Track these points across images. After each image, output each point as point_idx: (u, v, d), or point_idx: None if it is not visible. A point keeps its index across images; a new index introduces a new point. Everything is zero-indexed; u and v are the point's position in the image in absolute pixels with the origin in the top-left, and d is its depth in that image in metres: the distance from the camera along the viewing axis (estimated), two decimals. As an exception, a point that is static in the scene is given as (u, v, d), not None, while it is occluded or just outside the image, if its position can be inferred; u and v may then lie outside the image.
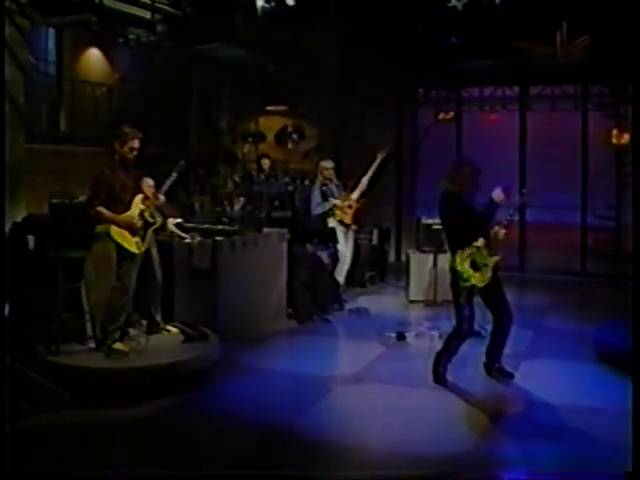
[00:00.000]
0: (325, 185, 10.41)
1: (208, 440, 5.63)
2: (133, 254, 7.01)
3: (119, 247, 6.97)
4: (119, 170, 7.06)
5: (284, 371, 7.47)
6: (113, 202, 6.95)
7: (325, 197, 10.33)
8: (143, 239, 7.09)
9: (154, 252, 7.40)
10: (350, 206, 10.33)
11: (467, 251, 6.65)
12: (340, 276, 10.46)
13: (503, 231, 6.76)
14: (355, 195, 10.38)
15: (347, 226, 10.40)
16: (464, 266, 6.64)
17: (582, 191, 13.50)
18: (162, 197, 7.36)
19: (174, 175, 7.38)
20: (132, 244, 7.00)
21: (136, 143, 7.09)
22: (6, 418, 5.12)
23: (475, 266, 6.65)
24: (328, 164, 10.52)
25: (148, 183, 7.66)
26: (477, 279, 6.68)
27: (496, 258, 6.72)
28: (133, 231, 7.00)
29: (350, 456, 5.43)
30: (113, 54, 14.83)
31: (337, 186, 10.48)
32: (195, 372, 6.84)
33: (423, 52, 13.34)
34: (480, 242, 6.66)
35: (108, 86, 14.81)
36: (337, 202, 10.33)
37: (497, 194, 6.67)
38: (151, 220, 7.19)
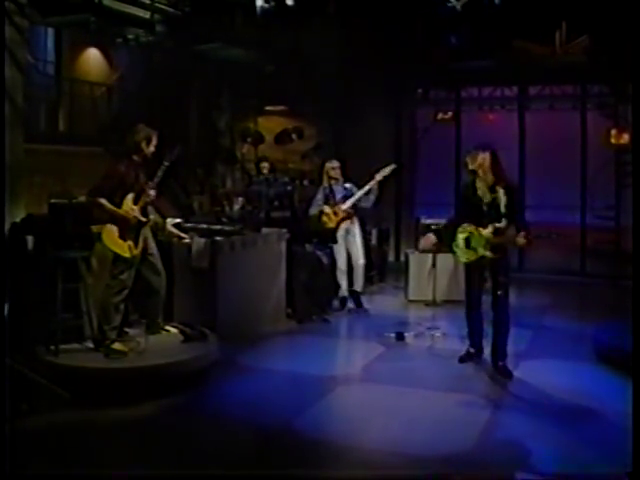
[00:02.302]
0: (329, 186, 10.28)
1: (207, 440, 5.62)
2: (127, 259, 6.97)
3: (111, 251, 6.95)
4: (138, 169, 7.08)
5: (283, 371, 7.46)
6: (117, 198, 6.94)
7: (327, 199, 10.24)
8: (136, 242, 7.03)
9: (154, 250, 7.35)
10: (336, 213, 10.17)
11: (467, 228, 7.10)
12: (357, 285, 10.30)
13: (523, 240, 7.02)
14: (345, 206, 10.19)
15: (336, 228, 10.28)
16: (458, 238, 7.17)
17: (581, 191, 13.48)
18: (152, 193, 7.14)
19: (165, 164, 7.25)
20: (124, 248, 6.92)
21: (156, 140, 7.14)
22: (6, 418, 5.11)
23: (468, 244, 7.11)
24: (334, 164, 10.32)
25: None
26: (461, 253, 7.21)
27: (487, 253, 7.01)
28: (124, 234, 6.94)
29: (350, 456, 5.42)
30: (112, 54, 14.87)
31: (345, 188, 10.25)
32: (194, 372, 6.84)
33: (422, 52, 13.35)
34: (471, 227, 7.09)
35: (107, 86, 14.83)
36: (326, 209, 10.20)
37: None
38: (143, 219, 7.12)
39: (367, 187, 10.07)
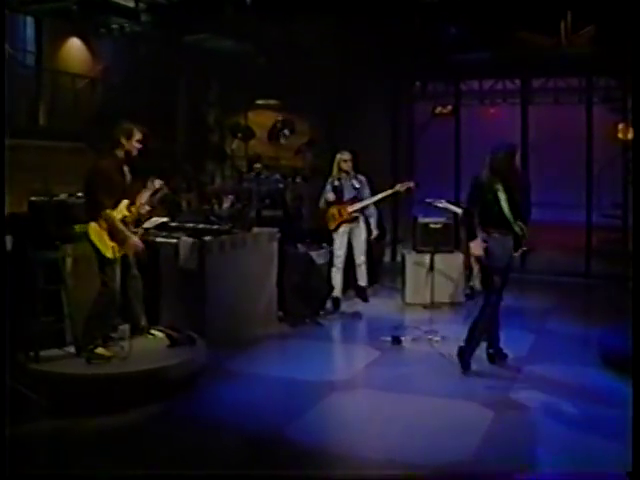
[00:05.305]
0: (339, 179, 10.26)
1: (195, 449, 5.63)
2: (111, 260, 6.98)
3: (96, 250, 6.95)
4: (120, 166, 7.10)
5: (274, 377, 7.47)
6: (107, 199, 6.95)
7: (335, 193, 10.26)
8: (119, 246, 7.01)
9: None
10: (341, 214, 10.20)
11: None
12: (362, 279, 10.41)
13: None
14: (352, 209, 10.21)
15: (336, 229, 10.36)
16: None
17: (587, 189, 13.50)
18: (147, 207, 7.34)
19: (157, 182, 7.41)
20: (108, 248, 6.94)
21: (140, 136, 7.17)
22: (6, 421, 5.13)
23: None
24: (345, 156, 10.27)
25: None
26: None
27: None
28: (113, 236, 6.95)
29: (343, 466, 5.45)
30: (95, 44, 14.85)
31: (356, 183, 10.24)
32: (181, 378, 6.85)
33: (420, 43, 13.35)
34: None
35: (90, 78, 14.83)
36: (332, 207, 10.25)
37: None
38: (133, 230, 7.14)
39: (380, 195, 10.33)
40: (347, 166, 10.24)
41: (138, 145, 7.17)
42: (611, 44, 12.19)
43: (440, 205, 10.26)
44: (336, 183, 10.26)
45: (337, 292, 10.34)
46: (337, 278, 10.32)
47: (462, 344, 7.46)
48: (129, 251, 7.12)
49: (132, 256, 7.30)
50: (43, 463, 5.40)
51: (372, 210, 10.34)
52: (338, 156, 10.33)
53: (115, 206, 7.00)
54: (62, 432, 5.90)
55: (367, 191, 10.28)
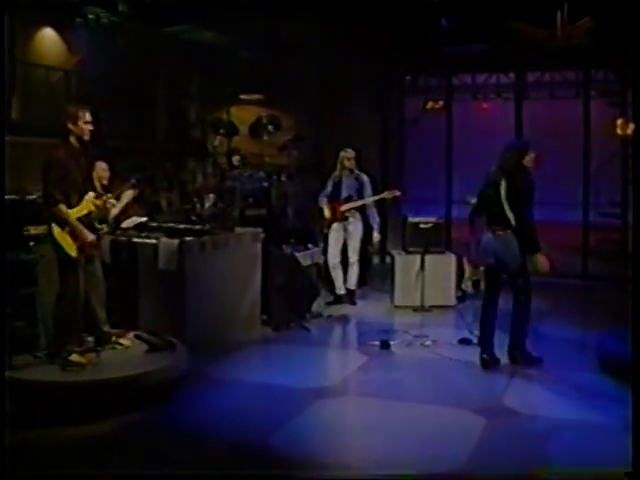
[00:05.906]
0: (340, 177, 10.52)
1: (174, 460, 5.61)
2: (75, 260, 6.91)
3: (59, 249, 6.89)
4: (75, 154, 6.99)
5: (258, 383, 7.47)
6: (65, 193, 6.81)
7: (333, 191, 10.53)
8: (82, 248, 6.92)
9: (97, 256, 7.31)
10: (334, 212, 10.39)
11: None
12: (350, 282, 10.69)
13: None
14: (344, 208, 10.40)
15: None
16: None
17: (584, 187, 13.51)
18: (116, 209, 7.39)
19: (132, 191, 7.43)
20: (72, 247, 6.83)
21: (88, 117, 6.97)
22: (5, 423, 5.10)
23: None
24: (349, 154, 10.54)
25: (102, 167, 7.67)
26: None
27: None
28: (75, 236, 6.90)
29: (330, 476, 5.43)
30: (70, 35, 14.75)
31: (359, 178, 10.49)
32: (161, 385, 6.81)
33: (410, 35, 13.35)
34: None
35: (65, 71, 14.75)
36: (324, 205, 10.55)
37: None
38: (98, 227, 7.07)
39: (366, 200, 10.49)
40: (350, 164, 10.52)
41: (88, 127, 6.95)
42: (610, 35, 12.21)
43: None
44: (336, 180, 10.54)
45: (339, 289, 10.65)
46: (337, 275, 10.63)
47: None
48: (88, 249, 7.01)
49: (95, 256, 7.24)
50: (18, 472, 5.35)
51: (374, 214, 10.55)
52: (342, 154, 10.59)
53: (80, 199, 6.92)
54: (38, 441, 5.87)
55: (369, 190, 10.57)
